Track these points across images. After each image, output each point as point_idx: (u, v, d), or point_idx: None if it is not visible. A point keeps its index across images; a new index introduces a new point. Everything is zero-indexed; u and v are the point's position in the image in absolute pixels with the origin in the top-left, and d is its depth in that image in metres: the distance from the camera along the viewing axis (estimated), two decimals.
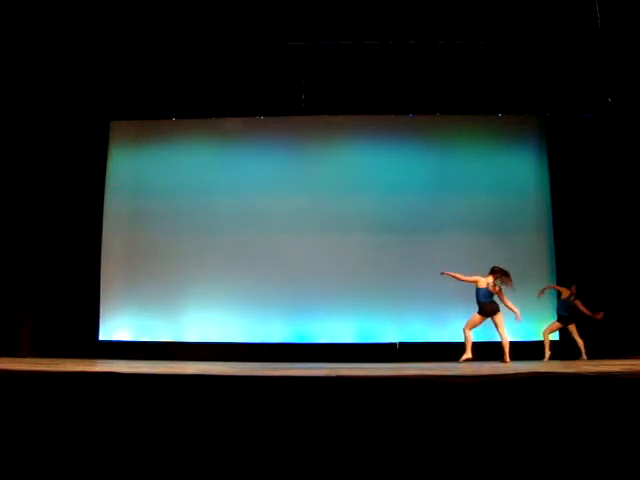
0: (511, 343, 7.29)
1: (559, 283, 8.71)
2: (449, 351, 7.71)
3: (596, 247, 8.53)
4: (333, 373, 3.56)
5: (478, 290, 7.32)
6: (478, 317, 7.32)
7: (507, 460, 2.72)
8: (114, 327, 8.84)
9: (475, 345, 7.84)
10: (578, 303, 8.05)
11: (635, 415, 2.77)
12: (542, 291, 8.09)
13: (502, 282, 7.22)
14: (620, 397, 2.83)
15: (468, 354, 7.23)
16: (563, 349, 8.26)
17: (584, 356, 7.90)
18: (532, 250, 8.92)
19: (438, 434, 2.79)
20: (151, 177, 9.24)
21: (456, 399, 2.89)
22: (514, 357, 7.64)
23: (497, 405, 2.87)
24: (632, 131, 8.32)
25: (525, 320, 8.59)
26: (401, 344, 8.08)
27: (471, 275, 7.37)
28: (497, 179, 9.06)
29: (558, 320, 8.18)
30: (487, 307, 7.27)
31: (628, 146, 8.37)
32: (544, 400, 2.86)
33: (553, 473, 2.69)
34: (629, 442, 2.72)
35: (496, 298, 7.25)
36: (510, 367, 6.09)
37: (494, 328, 7.34)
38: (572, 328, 8.10)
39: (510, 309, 7.22)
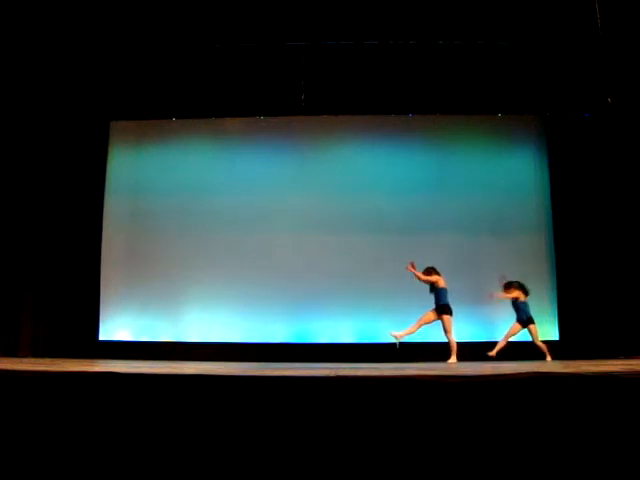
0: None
1: (559, 283, 8.71)
2: (449, 351, 7.71)
3: (596, 247, 8.52)
4: (333, 373, 3.56)
5: (440, 290, 7.70)
6: (447, 318, 7.64)
7: (507, 460, 2.72)
8: (114, 327, 8.84)
9: (475, 345, 7.86)
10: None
11: (635, 415, 2.77)
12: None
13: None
14: (620, 397, 2.83)
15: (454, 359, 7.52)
16: (563, 349, 8.26)
17: (549, 357, 7.76)
18: (532, 250, 8.91)
19: (438, 434, 2.79)
20: (151, 177, 9.24)
21: (456, 399, 2.89)
22: (514, 357, 7.66)
23: (497, 405, 2.87)
24: (632, 131, 8.31)
25: None
26: (401, 344, 8.07)
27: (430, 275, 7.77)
28: (497, 179, 9.05)
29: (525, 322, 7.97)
30: (448, 307, 7.68)
31: (628, 146, 8.37)
32: (544, 400, 2.86)
33: (553, 473, 2.69)
34: (629, 442, 2.72)
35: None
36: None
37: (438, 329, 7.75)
38: (534, 329, 7.92)
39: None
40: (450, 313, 7.64)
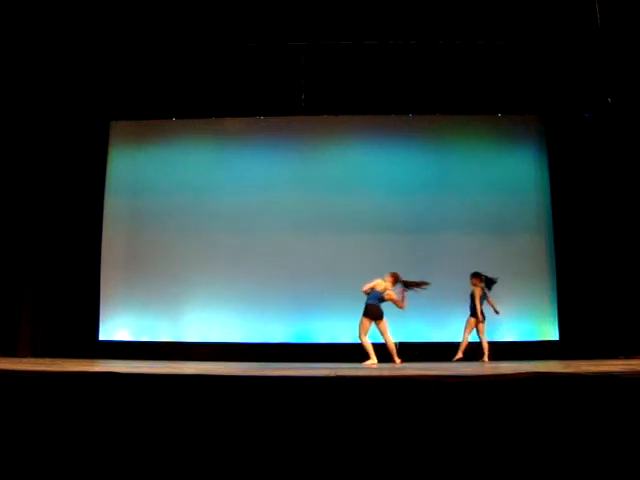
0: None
1: (559, 283, 8.70)
2: (449, 351, 7.71)
3: (596, 247, 8.53)
4: (333, 373, 3.56)
5: (372, 292, 7.36)
6: (365, 320, 7.31)
7: (507, 460, 2.72)
8: (114, 327, 8.84)
9: (475, 345, 7.85)
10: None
11: (635, 415, 2.77)
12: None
13: (406, 288, 7.40)
14: (620, 397, 2.83)
15: (373, 359, 7.21)
16: (563, 349, 8.26)
17: (485, 358, 7.65)
18: (532, 250, 8.91)
19: (438, 434, 2.79)
20: (151, 177, 9.24)
21: (456, 399, 2.89)
22: (514, 357, 7.66)
23: (497, 405, 2.87)
24: (632, 131, 8.32)
25: (525, 320, 8.62)
26: (401, 344, 8.07)
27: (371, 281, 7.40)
28: (497, 179, 9.06)
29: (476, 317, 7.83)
30: (373, 310, 7.31)
31: (628, 146, 8.37)
32: (544, 400, 2.86)
33: (553, 473, 2.69)
34: (629, 442, 2.72)
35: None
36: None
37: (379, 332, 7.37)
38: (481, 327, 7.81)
39: (399, 303, 7.36)
40: (366, 315, 7.33)
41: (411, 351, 8.22)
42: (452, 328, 8.38)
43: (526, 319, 8.64)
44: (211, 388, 3.01)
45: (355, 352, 8.25)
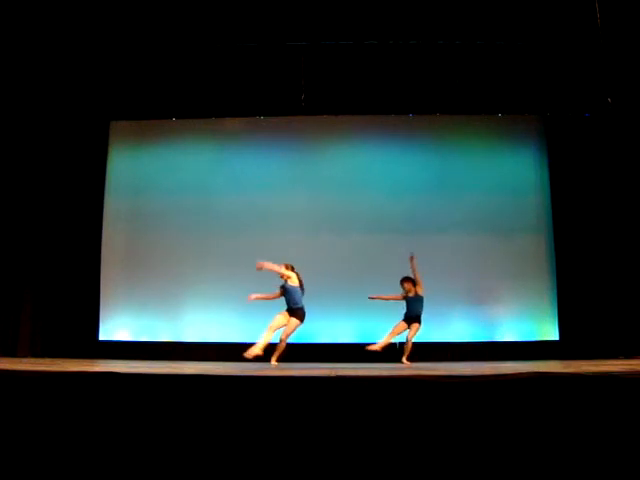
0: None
1: (559, 283, 8.69)
2: (449, 351, 7.72)
3: (596, 247, 8.53)
4: (333, 373, 3.56)
5: (297, 291, 7.11)
6: (298, 324, 7.06)
7: (507, 460, 2.72)
8: (114, 327, 8.84)
9: (475, 345, 7.86)
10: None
11: (635, 415, 2.77)
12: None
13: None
14: (620, 397, 2.83)
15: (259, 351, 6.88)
16: (563, 349, 8.26)
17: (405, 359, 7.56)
18: (532, 250, 8.91)
19: (438, 434, 2.79)
20: (151, 177, 9.24)
21: (455, 399, 2.89)
22: (514, 357, 7.67)
23: (497, 405, 2.87)
24: (632, 131, 8.32)
25: (525, 320, 8.62)
26: (401, 344, 8.07)
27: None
28: (497, 179, 9.05)
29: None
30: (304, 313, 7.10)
31: (628, 146, 8.37)
32: (544, 400, 2.86)
33: (553, 473, 2.69)
34: (629, 442, 2.71)
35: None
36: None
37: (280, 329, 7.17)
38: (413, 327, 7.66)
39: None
40: (302, 319, 7.10)
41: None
42: (452, 328, 8.40)
43: (526, 319, 8.64)
44: (211, 388, 3.01)
45: (355, 352, 8.28)
